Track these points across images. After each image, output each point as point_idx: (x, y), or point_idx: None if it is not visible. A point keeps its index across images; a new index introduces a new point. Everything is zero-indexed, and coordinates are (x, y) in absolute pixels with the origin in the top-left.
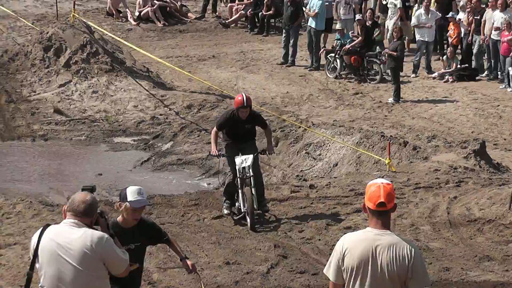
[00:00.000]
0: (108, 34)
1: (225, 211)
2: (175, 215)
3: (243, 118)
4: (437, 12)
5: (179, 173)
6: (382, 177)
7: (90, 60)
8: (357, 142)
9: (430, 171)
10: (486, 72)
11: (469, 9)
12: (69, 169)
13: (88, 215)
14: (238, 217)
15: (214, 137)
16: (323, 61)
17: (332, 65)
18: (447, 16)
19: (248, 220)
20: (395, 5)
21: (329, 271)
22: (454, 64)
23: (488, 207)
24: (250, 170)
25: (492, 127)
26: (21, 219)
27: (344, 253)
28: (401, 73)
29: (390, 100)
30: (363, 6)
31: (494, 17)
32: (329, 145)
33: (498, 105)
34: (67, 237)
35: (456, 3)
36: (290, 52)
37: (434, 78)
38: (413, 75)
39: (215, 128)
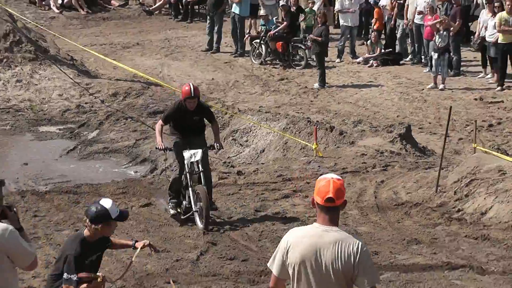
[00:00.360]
0: (31, 23)
1: (172, 211)
2: None
3: (191, 109)
4: None
5: (106, 161)
6: (310, 163)
7: (13, 49)
8: (283, 128)
9: (356, 156)
10: (410, 56)
11: None
12: None
13: None
14: (185, 216)
15: (159, 130)
16: (248, 47)
17: (257, 51)
18: (371, 1)
19: (201, 220)
20: None
21: (273, 265)
22: (378, 48)
23: (415, 190)
24: (200, 165)
25: (417, 111)
26: None
27: (288, 249)
28: (326, 58)
29: (316, 85)
30: None
31: (417, 2)
32: (256, 131)
33: (423, 89)
34: None
35: None
36: (214, 39)
37: (358, 63)
38: (338, 60)
39: (160, 121)
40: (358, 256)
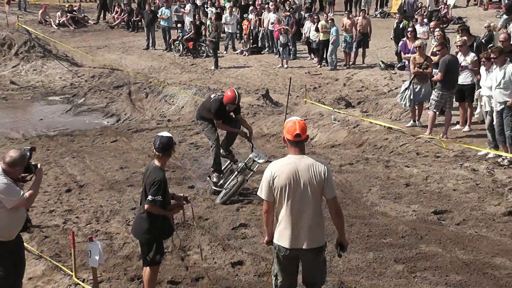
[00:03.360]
0: (40, 35)
1: (215, 179)
2: (88, 141)
3: (229, 110)
4: (237, 15)
5: (89, 116)
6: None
7: (30, 51)
8: (194, 93)
9: None
10: (267, 49)
11: (255, 12)
12: (21, 117)
13: (12, 166)
14: (216, 187)
15: (225, 126)
16: (172, 46)
17: (177, 48)
18: (244, 16)
19: (223, 197)
20: (212, 11)
21: (262, 192)
22: (248, 45)
23: (272, 127)
24: (256, 166)
25: (272, 81)
26: None
27: (273, 177)
28: (218, 51)
29: (212, 67)
30: (195, 12)
31: (270, 16)
32: (178, 95)
33: (275, 68)
34: None
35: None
36: (151, 42)
37: (237, 53)
38: (225, 52)
39: (219, 121)
40: (326, 174)
